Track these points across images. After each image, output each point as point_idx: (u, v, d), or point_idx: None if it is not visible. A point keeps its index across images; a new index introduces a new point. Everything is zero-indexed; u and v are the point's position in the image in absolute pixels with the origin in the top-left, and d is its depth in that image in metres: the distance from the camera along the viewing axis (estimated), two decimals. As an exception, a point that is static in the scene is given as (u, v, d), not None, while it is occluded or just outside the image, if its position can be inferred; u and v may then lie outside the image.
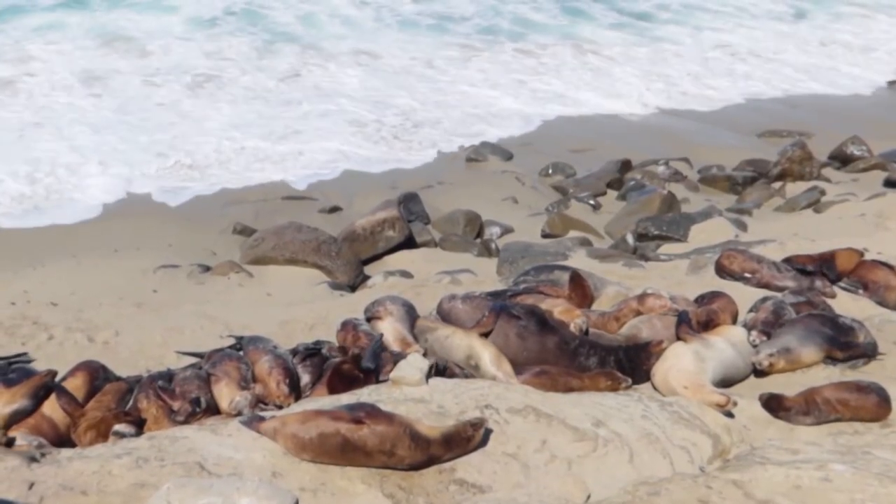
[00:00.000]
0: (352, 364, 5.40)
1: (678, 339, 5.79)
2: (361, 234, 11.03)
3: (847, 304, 6.98)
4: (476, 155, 14.49)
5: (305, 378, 5.56)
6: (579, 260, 9.50)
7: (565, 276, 6.94)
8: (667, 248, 10.58)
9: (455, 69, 19.12)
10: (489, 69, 19.28)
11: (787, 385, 5.58)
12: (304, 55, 19.36)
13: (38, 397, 5.20)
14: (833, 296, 7.06)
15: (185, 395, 5.29)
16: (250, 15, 21.73)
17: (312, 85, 17.61)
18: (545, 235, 11.60)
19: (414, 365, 5.07)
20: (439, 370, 5.44)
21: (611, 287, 6.89)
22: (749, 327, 6.11)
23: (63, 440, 5.05)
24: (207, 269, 10.12)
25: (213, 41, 19.77)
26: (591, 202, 12.94)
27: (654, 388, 5.55)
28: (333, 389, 5.28)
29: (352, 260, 10.44)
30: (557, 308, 6.18)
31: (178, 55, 18.63)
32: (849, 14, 25.84)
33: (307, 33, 20.85)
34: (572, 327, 5.92)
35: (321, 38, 20.60)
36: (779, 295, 6.77)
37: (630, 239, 11.22)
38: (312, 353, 5.72)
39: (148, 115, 15.26)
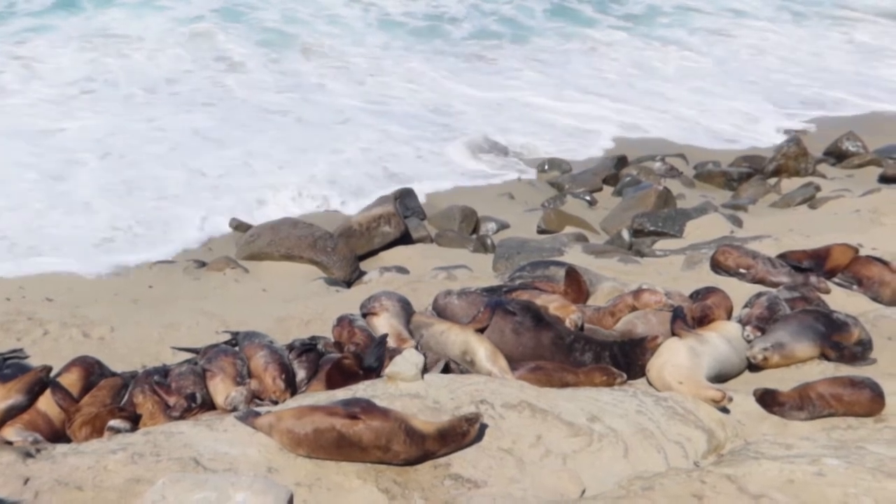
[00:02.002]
0: (353, 360, 5.40)
1: (673, 334, 5.79)
2: (357, 230, 11.02)
3: (841, 299, 7.00)
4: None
5: (301, 373, 5.57)
6: (575, 256, 9.51)
7: (561, 272, 6.95)
8: (662, 244, 10.59)
9: (461, 77, 18.77)
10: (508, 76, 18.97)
11: (782, 380, 5.60)
12: (308, 63, 18.97)
13: (33, 393, 5.20)
14: (828, 291, 7.07)
15: (180, 391, 5.30)
16: (249, 18, 21.55)
17: (320, 96, 16.72)
18: (541, 231, 11.61)
19: (409, 360, 5.06)
20: (444, 372, 5.45)
21: (606, 283, 6.89)
22: (744, 323, 6.13)
23: (58, 436, 5.06)
24: (203, 264, 10.11)
25: (213, 44, 19.60)
26: (587, 198, 12.95)
27: (649, 383, 5.56)
28: (332, 384, 5.28)
29: (348, 256, 10.44)
30: (553, 304, 6.19)
31: (181, 60, 18.36)
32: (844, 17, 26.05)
33: (303, 34, 20.68)
34: (567, 323, 5.93)
35: (318, 42, 20.34)
36: (773, 290, 6.79)
37: (626, 235, 11.23)
38: (308, 348, 5.73)
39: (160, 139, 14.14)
